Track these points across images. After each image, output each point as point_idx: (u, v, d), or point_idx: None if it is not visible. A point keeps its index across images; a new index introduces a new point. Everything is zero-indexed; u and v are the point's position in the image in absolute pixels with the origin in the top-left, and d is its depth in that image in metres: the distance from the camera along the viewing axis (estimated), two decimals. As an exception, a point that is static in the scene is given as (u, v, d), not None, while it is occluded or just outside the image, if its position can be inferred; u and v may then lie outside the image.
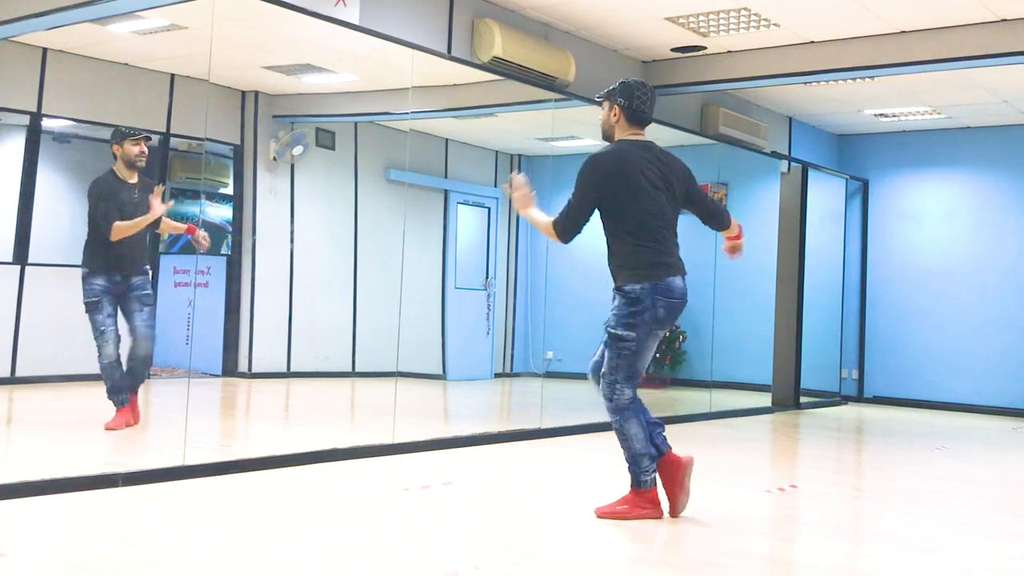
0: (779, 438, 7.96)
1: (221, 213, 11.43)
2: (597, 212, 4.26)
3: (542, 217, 4.32)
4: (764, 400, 9.87)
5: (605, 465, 6.11)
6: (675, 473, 4.24)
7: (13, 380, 7.97)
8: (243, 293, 9.78)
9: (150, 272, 6.34)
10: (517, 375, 11.94)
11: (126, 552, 3.34)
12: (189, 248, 11.24)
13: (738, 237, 4.61)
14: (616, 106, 4.28)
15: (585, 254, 10.47)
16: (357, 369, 10.43)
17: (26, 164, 8.40)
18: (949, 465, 6.71)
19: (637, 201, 4.13)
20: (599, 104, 4.41)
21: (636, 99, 4.26)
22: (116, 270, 5.95)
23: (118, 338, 5.96)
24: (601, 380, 4.25)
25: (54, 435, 5.64)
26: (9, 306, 8.18)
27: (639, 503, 4.20)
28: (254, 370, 9.66)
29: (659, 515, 4.20)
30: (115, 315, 5.97)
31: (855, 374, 11.30)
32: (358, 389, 9.90)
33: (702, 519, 4.34)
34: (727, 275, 9.54)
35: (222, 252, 10.58)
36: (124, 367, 5.96)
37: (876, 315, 11.25)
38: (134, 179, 6.02)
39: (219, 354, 9.66)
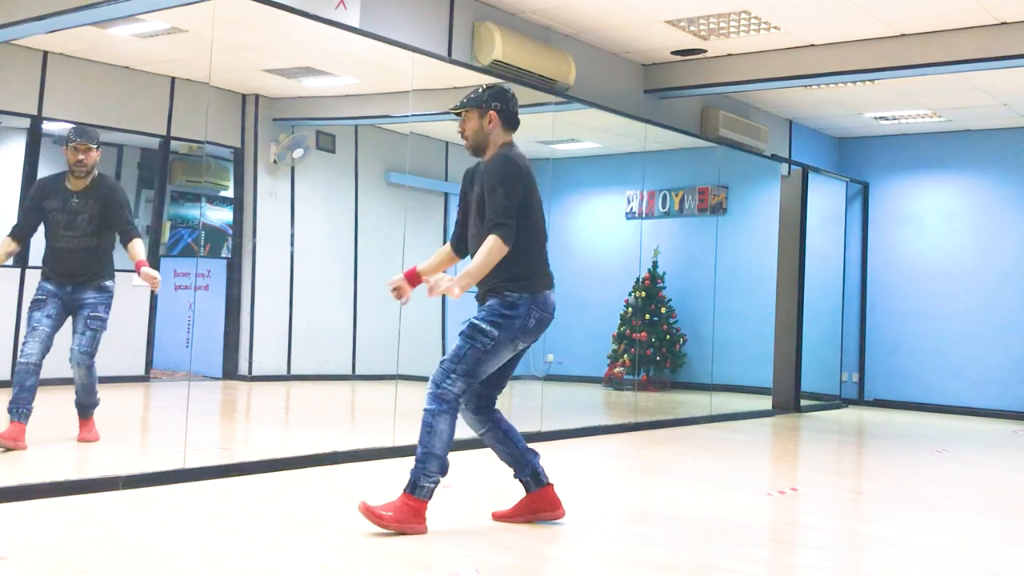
0: (779, 441, 7.96)
1: (221, 216, 11.45)
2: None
3: (472, 265, 3.90)
4: (764, 403, 9.86)
5: (604, 468, 6.11)
6: (542, 508, 4.09)
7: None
8: (243, 296, 9.78)
9: (111, 291, 5.50)
10: (517, 378, 11.82)
11: (126, 555, 3.34)
12: (190, 251, 11.26)
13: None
14: (492, 112, 4.04)
15: (585, 257, 10.45)
16: (357, 372, 10.43)
17: (27, 167, 8.41)
18: (949, 468, 6.71)
19: (536, 210, 4.05)
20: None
21: (511, 101, 4.09)
22: (67, 278, 5.36)
23: (47, 346, 5.29)
24: (439, 364, 3.95)
25: (54, 438, 5.62)
26: (9, 309, 8.18)
27: (406, 514, 3.80)
28: (254, 373, 9.66)
29: (422, 531, 3.81)
30: (57, 321, 5.34)
31: (855, 377, 11.29)
32: (358, 392, 9.90)
33: (703, 522, 4.35)
34: (727, 278, 9.53)
35: (222, 255, 10.59)
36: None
37: (876, 318, 11.25)
38: (80, 186, 5.33)
39: (219, 357, 9.67)
